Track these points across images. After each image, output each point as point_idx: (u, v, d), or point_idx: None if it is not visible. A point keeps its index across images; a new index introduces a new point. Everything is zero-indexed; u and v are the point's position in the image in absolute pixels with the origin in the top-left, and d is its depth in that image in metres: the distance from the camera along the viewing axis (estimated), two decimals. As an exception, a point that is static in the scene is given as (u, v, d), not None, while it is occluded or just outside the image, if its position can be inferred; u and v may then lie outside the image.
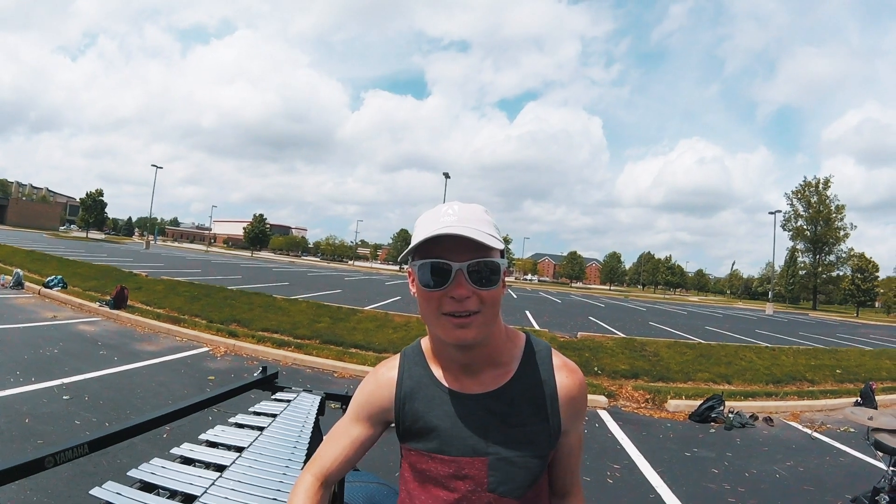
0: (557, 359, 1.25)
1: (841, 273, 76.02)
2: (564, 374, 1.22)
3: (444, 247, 1.07)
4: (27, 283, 14.98)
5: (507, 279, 1.19)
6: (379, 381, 1.29)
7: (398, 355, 1.32)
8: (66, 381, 6.65)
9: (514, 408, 1.18)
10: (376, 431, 1.30)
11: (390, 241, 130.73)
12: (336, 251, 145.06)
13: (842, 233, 74.63)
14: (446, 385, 1.21)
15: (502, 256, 1.12)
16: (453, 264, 1.06)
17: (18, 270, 15.84)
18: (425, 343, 1.29)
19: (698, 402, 8.14)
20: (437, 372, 1.24)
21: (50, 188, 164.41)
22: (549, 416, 1.19)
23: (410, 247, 1.10)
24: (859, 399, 9.31)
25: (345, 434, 1.29)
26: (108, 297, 12.45)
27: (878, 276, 72.06)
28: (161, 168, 68.97)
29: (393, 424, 1.28)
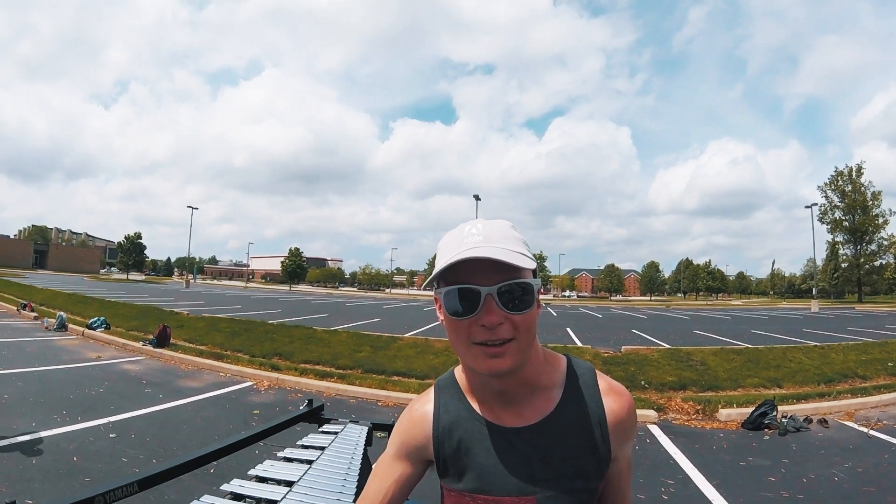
0: (603, 381, 1.15)
1: (884, 262, 74.03)
2: (612, 398, 1.12)
3: (471, 270, 0.97)
4: (70, 325, 15.34)
5: (544, 297, 1.10)
6: (413, 417, 1.19)
7: (431, 388, 1.23)
8: (112, 419, 6.76)
9: (560, 440, 1.08)
10: (419, 470, 1.21)
11: (425, 267, 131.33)
12: (372, 280, 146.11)
13: (881, 219, 72.50)
14: (486, 419, 1.11)
15: (535, 275, 1.03)
16: (482, 289, 0.96)
17: (62, 313, 16.24)
18: (459, 373, 1.20)
19: (750, 410, 7.94)
20: (475, 405, 1.13)
21: (89, 233, 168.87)
22: (598, 445, 1.09)
23: (434, 272, 1.01)
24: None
25: (389, 473, 1.19)
26: (151, 336, 12.66)
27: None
28: (197, 209, 70.30)
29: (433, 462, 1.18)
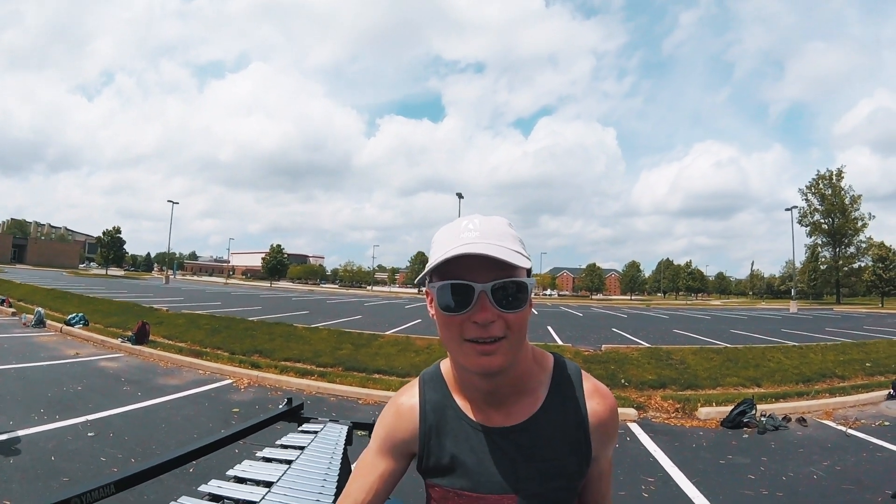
0: (588, 383, 1.15)
1: (862, 264, 75.05)
2: (596, 400, 1.13)
3: (466, 266, 0.95)
4: (49, 322, 15.19)
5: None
6: (399, 411, 1.18)
7: (416, 381, 1.22)
8: (90, 417, 6.68)
9: (543, 441, 1.09)
10: (402, 465, 1.20)
11: (408, 265, 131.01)
12: (354, 277, 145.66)
13: (860, 223, 73.69)
14: (472, 418, 1.12)
15: (529, 275, 1.02)
16: (476, 285, 0.95)
17: (40, 309, 16.04)
18: (445, 368, 1.19)
19: (729, 408, 8.00)
20: (461, 402, 1.14)
21: (68, 227, 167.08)
22: (579, 446, 1.10)
23: (429, 266, 1.00)
24: (892, 391, 9.19)
25: (372, 469, 1.18)
26: (130, 333, 12.53)
27: (900, 264, 71.02)
28: (177, 203, 69.59)
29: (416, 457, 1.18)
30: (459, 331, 0.98)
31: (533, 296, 1.06)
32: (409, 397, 1.19)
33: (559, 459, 1.09)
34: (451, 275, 0.97)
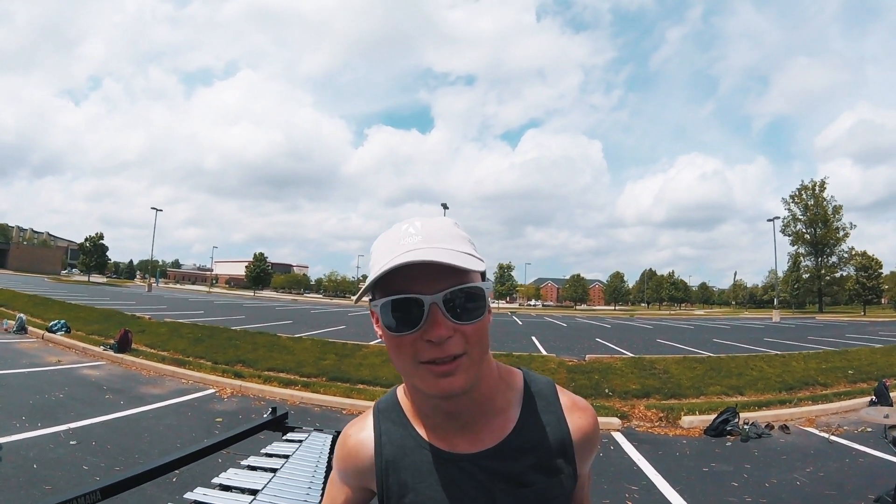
0: (565, 397, 1.04)
1: (844, 273, 75.96)
2: (577, 414, 1.02)
3: (411, 276, 0.82)
4: (30, 328, 15.00)
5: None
6: (348, 446, 1.04)
7: (369, 413, 1.08)
8: (72, 426, 6.62)
9: (520, 464, 0.95)
10: (364, 496, 1.07)
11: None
12: (338, 287, 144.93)
13: (841, 233, 74.59)
14: (435, 446, 0.97)
15: (483, 278, 0.89)
16: (424, 297, 0.82)
17: (21, 315, 15.83)
18: (402, 394, 1.06)
19: (712, 417, 8.06)
20: (421, 430, 0.99)
21: (51, 232, 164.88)
22: (563, 466, 0.98)
23: (368, 281, 0.86)
24: (874, 398, 9.27)
25: (337, 497, 1.08)
26: (112, 341, 12.41)
27: (882, 273, 72.07)
28: (161, 211, 68.91)
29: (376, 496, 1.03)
30: (412, 352, 0.85)
31: (492, 302, 0.96)
32: (358, 430, 1.05)
33: (546, 482, 0.96)
34: (396, 288, 0.84)
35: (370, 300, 0.89)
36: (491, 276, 0.97)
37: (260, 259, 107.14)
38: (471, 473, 0.95)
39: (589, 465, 1.09)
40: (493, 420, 0.98)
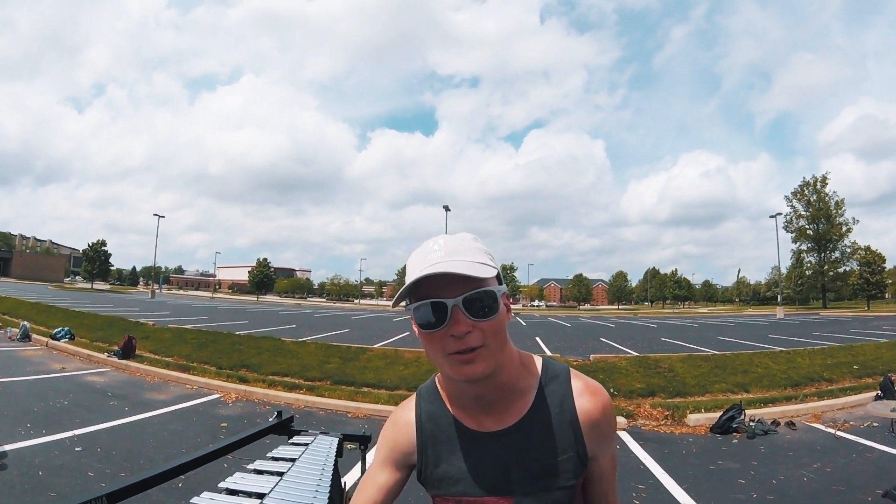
0: (578, 381, 1.20)
1: (848, 268, 75.60)
2: (586, 397, 1.17)
3: (436, 285, 1.03)
4: (34, 336, 15.08)
5: (514, 307, 1.15)
6: (397, 424, 1.27)
7: (414, 395, 1.30)
8: (77, 432, 6.63)
9: (533, 441, 1.15)
10: (403, 475, 1.27)
11: (395, 278, 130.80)
12: (341, 291, 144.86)
13: (844, 228, 74.13)
14: (465, 424, 1.19)
15: (500, 282, 1.10)
16: (447, 301, 1.03)
17: (25, 323, 15.91)
18: (439, 381, 1.27)
19: (718, 414, 8.04)
20: (455, 412, 1.21)
21: (54, 240, 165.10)
22: (571, 445, 1.14)
23: (402, 289, 1.07)
24: (880, 392, 9.28)
25: (371, 482, 1.25)
26: (117, 348, 12.45)
27: (885, 268, 71.75)
28: (163, 217, 69.03)
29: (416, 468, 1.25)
30: (441, 346, 1.05)
31: (508, 300, 1.14)
32: (406, 411, 1.28)
33: (552, 459, 1.14)
34: (425, 295, 1.04)
35: (407, 305, 1.08)
36: (496, 277, 1.14)
37: (263, 264, 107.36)
38: (493, 448, 1.16)
39: (609, 451, 1.25)
40: (515, 402, 1.17)
